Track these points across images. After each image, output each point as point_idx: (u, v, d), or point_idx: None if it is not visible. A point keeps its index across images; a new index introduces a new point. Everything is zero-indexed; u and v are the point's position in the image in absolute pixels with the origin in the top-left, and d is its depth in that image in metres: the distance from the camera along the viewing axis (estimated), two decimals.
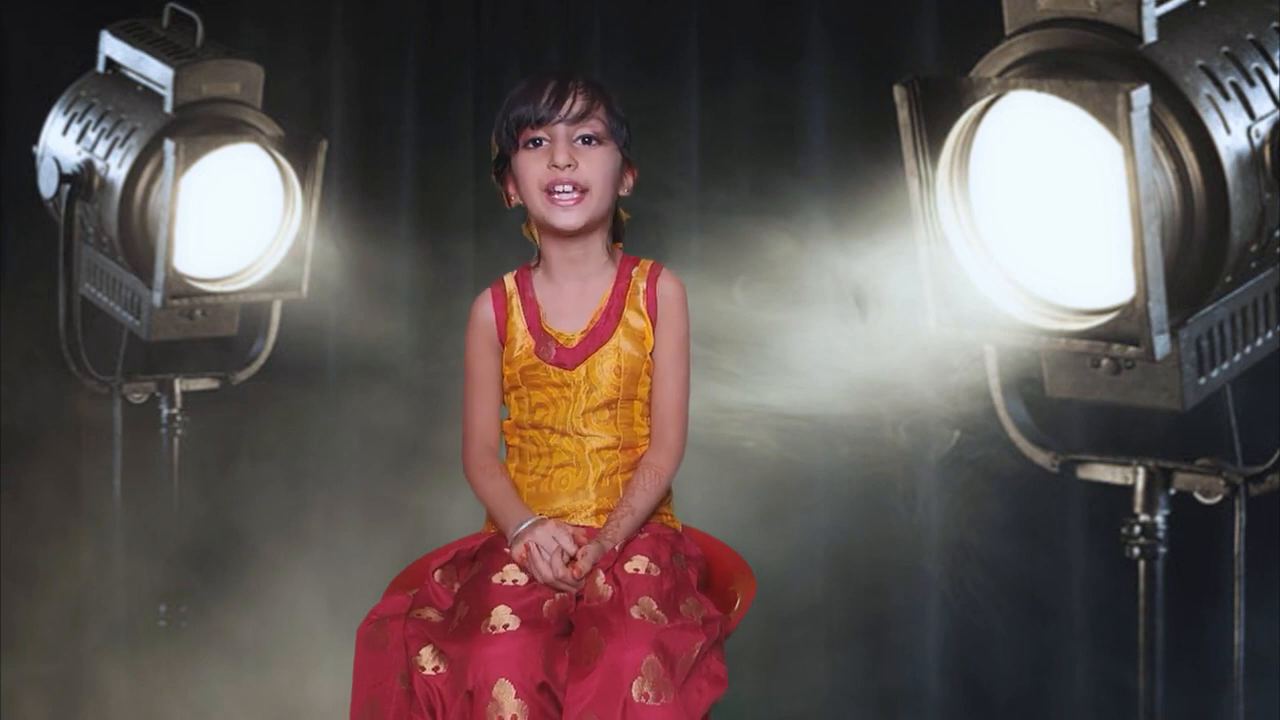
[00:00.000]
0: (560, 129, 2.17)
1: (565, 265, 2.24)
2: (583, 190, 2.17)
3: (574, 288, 2.25)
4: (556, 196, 2.17)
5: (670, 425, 2.24)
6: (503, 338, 2.25)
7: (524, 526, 2.14)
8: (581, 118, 2.17)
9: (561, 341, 2.22)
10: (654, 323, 2.23)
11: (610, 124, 2.19)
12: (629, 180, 2.26)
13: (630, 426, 2.24)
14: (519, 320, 2.24)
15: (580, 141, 2.18)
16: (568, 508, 2.22)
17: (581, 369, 2.21)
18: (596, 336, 2.22)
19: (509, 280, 2.28)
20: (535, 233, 2.27)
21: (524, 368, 2.23)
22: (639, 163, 2.28)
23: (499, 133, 2.22)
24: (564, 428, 2.22)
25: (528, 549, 2.11)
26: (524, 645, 1.99)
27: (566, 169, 2.16)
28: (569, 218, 2.18)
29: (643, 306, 2.24)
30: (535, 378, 2.23)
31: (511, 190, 2.25)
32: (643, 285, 2.24)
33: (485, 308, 2.27)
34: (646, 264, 2.27)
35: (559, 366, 2.21)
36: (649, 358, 2.23)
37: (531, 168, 2.18)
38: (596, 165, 2.18)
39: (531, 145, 2.18)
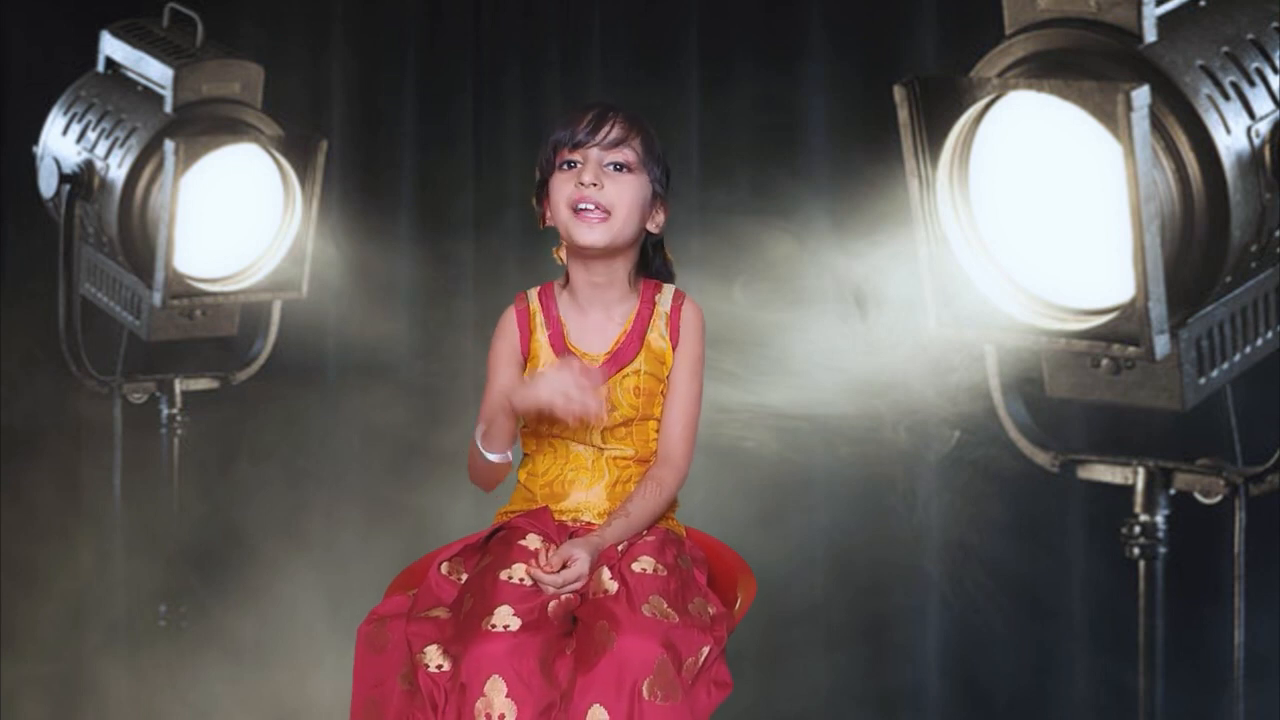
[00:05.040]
0: (593, 153, 2.24)
1: (589, 290, 2.29)
2: (607, 211, 2.23)
3: (598, 312, 2.30)
4: (580, 213, 2.23)
5: (678, 442, 2.28)
6: (525, 353, 2.30)
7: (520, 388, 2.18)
8: (615, 145, 2.24)
9: (585, 362, 2.25)
10: (675, 347, 2.29)
11: (643, 156, 2.27)
12: (659, 216, 2.32)
13: (646, 443, 2.29)
14: (542, 337, 2.29)
15: (612, 168, 2.24)
16: (580, 503, 2.26)
17: (603, 389, 2.25)
18: (619, 358, 2.27)
19: (533, 297, 2.33)
20: (564, 255, 2.32)
21: None
22: (671, 200, 2.33)
23: (540, 157, 2.30)
24: (583, 440, 2.27)
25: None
26: (521, 645, 2.01)
27: (591, 188, 2.23)
28: (591, 235, 2.23)
29: (666, 330, 2.30)
30: None
31: (547, 211, 2.31)
32: (666, 310, 2.31)
33: (510, 322, 2.31)
34: (669, 289, 2.33)
35: None
36: (666, 380, 2.29)
37: (562, 186, 2.25)
38: (624, 190, 2.24)
39: (566, 167, 2.26)
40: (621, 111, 2.28)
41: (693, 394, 2.29)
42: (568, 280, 2.32)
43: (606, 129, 2.24)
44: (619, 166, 2.25)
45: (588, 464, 2.27)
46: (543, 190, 2.30)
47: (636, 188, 2.26)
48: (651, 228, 2.31)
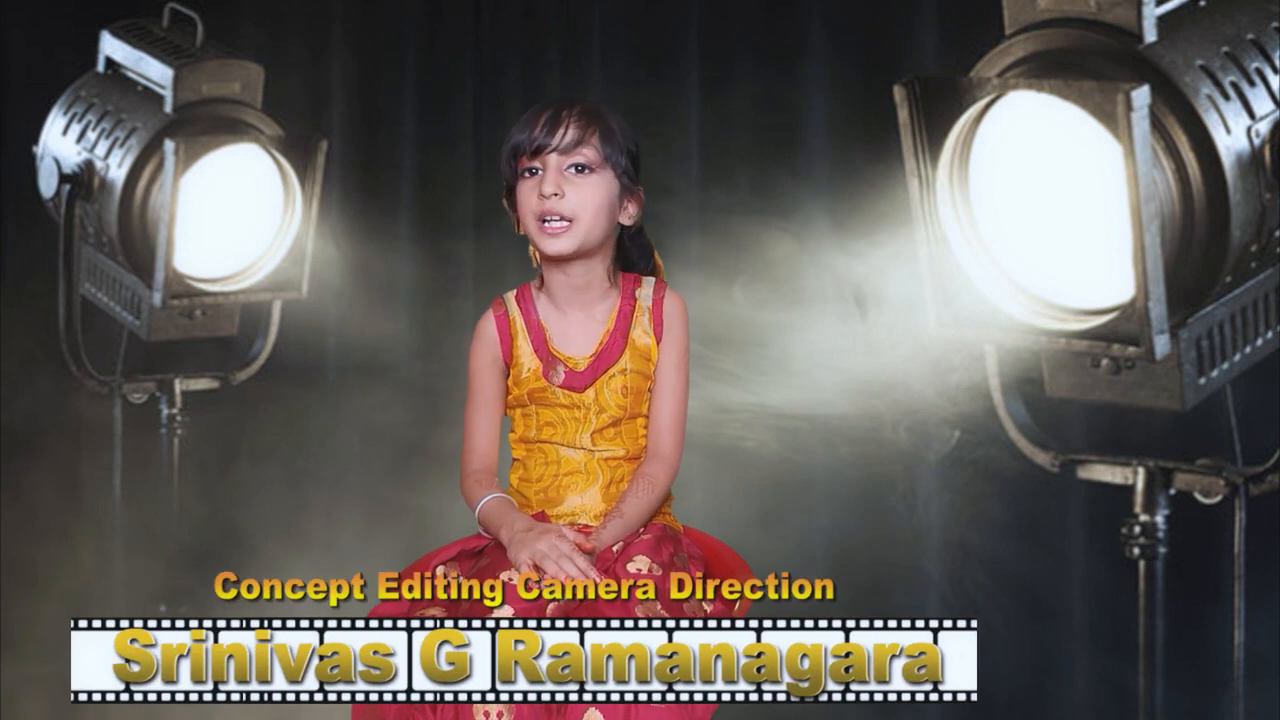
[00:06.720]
0: (552, 159, 2.18)
1: (568, 292, 2.25)
2: (569, 220, 2.18)
3: (578, 313, 2.26)
4: (545, 225, 2.18)
5: (667, 437, 2.25)
6: (508, 360, 2.26)
7: (526, 532, 2.13)
8: (573, 147, 2.18)
9: (570, 365, 2.23)
10: (659, 340, 2.25)
11: (605, 151, 2.19)
12: (631, 207, 2.25)
13: (636, 440, 2.26)
14: (524, 344, 2.25)
15: (572, 170, 2.18)
16: (576, 507, 2.24)
17: (590, 391, 2.23)
18: (604, 359, 2.24)
19: (510, 301, 2.28)
20: (537, 256, 2.27)
21: (532, 389, 2.24)
22: (644, 186, 2.26)
23: (501, 164, 2.24)
24: (573, 444, 2.24)
25: (535, 563, 2.10)
26: None
27: (553, 198, 2.17)
28: (557, 244, 2.18)
29: (649, 324, 2.26)
30: (544, 399, 2.24)
31: (517, 216, 2.27)
32: (648, 304, 2.26)
33: (489, 329, 2.27)
34: (649, 283, 2.28)
35: (568, 389, 2.23)
36: (653, 375, 2.25)
37: (527, 198, 2.20)
38: (586, 195, 2.18)
39: (528, 175, 2.20)
40: (576, 106, 2.20)
41: (679, 386, 2.25)
42: (543, 281, 2.28)
43: (562, 131, 2.17)
44: (579, 168, 2.18)
45: (580, 467, 2.24)
46: (511, 196, 2.25)
47: (600, 188, 2.19)
48: (624, 220, 2.25)
